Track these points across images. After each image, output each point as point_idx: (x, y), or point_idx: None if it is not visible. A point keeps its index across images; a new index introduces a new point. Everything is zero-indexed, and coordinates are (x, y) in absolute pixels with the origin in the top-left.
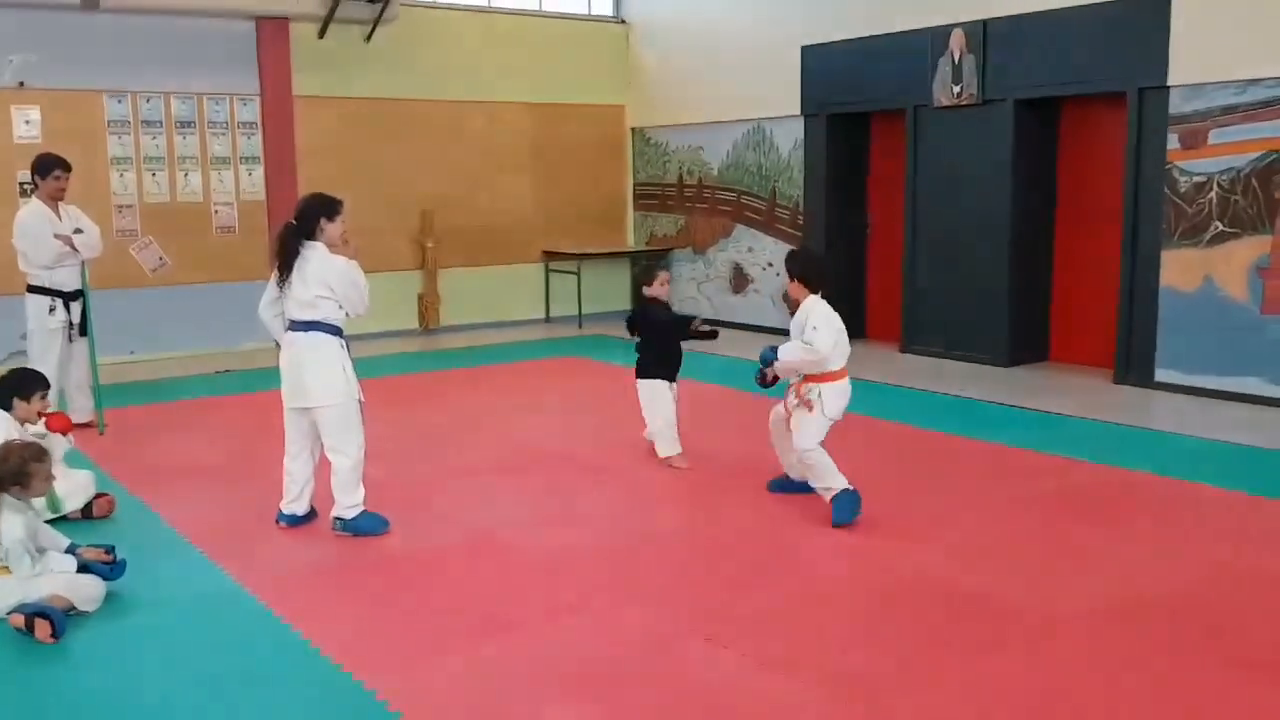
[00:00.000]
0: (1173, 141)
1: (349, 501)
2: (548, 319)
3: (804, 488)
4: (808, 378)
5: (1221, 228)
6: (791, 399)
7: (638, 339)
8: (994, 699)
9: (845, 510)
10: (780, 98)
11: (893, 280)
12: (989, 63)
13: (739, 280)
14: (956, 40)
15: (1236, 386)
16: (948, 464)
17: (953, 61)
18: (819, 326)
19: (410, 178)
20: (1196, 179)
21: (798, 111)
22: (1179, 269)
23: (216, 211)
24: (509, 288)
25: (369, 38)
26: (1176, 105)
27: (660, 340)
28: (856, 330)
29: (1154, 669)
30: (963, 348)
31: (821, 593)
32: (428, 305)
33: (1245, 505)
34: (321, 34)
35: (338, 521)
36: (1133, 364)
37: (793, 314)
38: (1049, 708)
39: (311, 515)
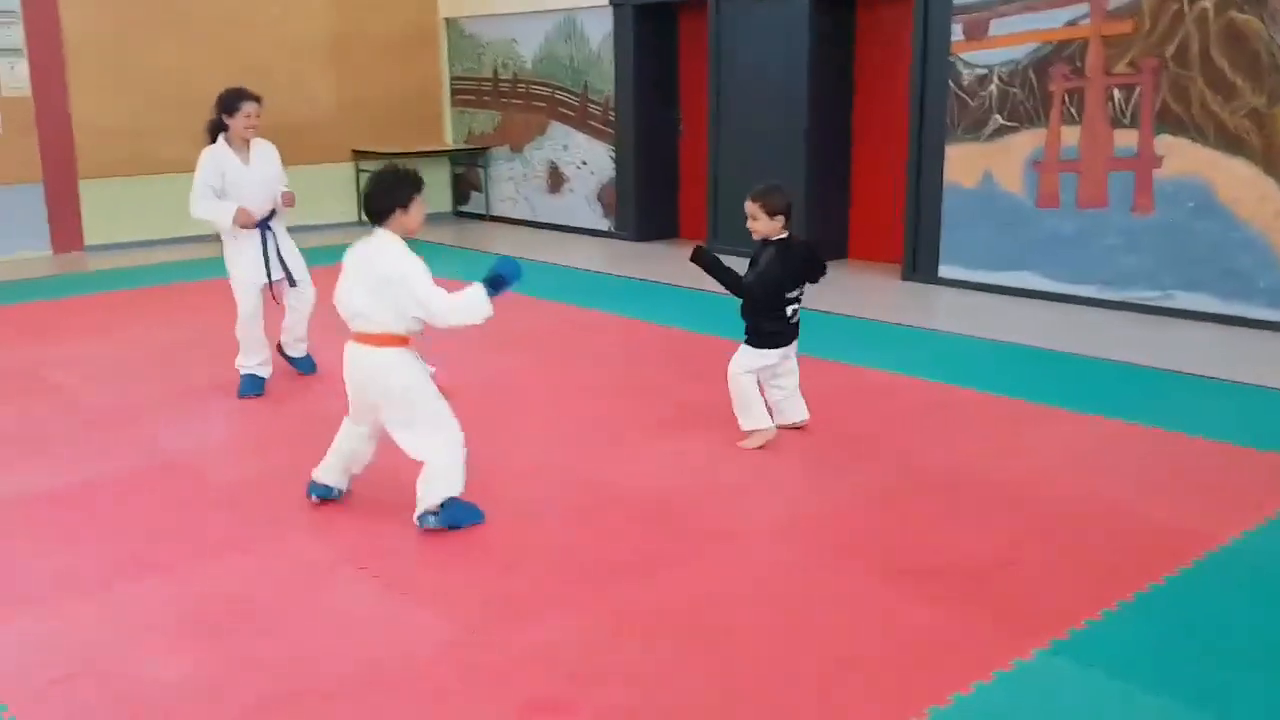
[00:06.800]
0: (957, 33)
1: None
2: (360, 222)
3: None
4: None
5: (1001, 121)
6: None
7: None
8: (645, 614)
9: None
10: None
11: (703, 180)
12: None
13: (555, 179)
14: None
15: (1013, 281)
16: (716, 367)
17: None
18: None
19: (194, 73)
20: (979, 71)
21: (606, 1)
22: (962, 164)
23: None
24: (316, 189)
25: None
26: None
27: None
28: (670, 231)
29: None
30: None
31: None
32: None
33: (1014, 409)
34: None
35: None
36: (919, 262)
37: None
38: (692, 620)
39: None
